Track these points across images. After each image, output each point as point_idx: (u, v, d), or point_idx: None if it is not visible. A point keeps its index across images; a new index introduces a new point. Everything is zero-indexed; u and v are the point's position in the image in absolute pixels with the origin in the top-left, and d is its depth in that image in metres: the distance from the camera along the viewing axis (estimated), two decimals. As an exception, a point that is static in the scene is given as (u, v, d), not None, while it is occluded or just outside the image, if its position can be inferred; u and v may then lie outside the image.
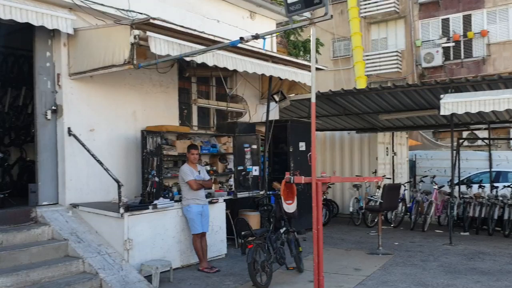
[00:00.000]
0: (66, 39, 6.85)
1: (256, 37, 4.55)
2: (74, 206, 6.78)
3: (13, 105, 9.56)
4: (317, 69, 8.53)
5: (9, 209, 6.52)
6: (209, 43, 6.39)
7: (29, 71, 7.13)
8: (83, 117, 7.06)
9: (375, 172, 12.39)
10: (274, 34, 5.40)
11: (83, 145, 6.73)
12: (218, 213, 7.51)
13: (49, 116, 6.84)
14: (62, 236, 6.17)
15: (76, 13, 6.77)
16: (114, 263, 5.95)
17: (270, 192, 7.13)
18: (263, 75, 8.17)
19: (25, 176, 8.97)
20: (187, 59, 6.24)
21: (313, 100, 4.36)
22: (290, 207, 6.04)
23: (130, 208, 6.27)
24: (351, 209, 11.47)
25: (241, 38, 4.65)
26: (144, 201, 6.84)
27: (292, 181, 5.31)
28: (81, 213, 6.70)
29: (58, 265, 5.67)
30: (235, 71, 7.34)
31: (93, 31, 6.63)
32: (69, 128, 6.85)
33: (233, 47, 6.65)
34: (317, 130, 10.55)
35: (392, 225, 11.03)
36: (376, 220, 10.54)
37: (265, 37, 4.71)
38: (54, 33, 6.82)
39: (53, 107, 6.88)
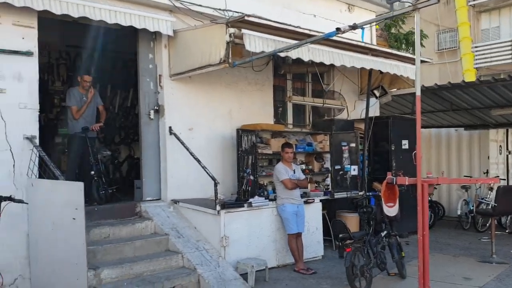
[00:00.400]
0: (167, 41, 7.08)
1: (353, 27, 4.28)
2: (175, 202, 6.99)
3: (122, 106, 10.22)
4: (421, 61, 7.97)
5: (116, 204, 6.90)
6: (305, 38, 6.21)
7: (135, 73, 7.52)
8: (183, 117, 7.25)
9: (487, 172, 11.31)
10: (374, 24, 5.06)
11: (183, 144, 6.91)
12: (314, 214, 7.33)
13: (152, 116, 7.12)
14: (163, 230, 6.38)
15: (175, 15, 6.98)
16: (211, 260, 6.03)
17: (370, 193, 6.75)
18: (362, 69, 7.82)
19: (133, 173, 9.52)
20: (282, 54, 6.13)
21: (418, 93, 4.01)
22: (391, 210, 5.64)
23: (226, 205, 6.33)
24: (459, 212, 10.60)
25: (338, 29, 4.40)
26: (240, 199, 6.87)
27: (394, 182, 4.93)
28: (181, 209, 6.90)
29: (159, 259, 5.86)
30: (332, 66, 7.10)
31: (190, 32, 6.78)
32: (170, 127, 7.07)
33: (329, 41, 6.43)
34: (421, 127, 9.88)
35: (507, 231, 9.98)
36: (488, 224, 9.64)
37: (364, 27, 4.40)
38: (155, 36, 7.09)
39: (155, 107, 7.15)
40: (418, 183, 4.03)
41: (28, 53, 5.71)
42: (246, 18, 5.82)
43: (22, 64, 5.67)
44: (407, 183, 4.59)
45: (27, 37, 5.72)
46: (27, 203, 4.96)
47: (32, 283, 5.45)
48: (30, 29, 5.73)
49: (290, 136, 8.19)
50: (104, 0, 6.12)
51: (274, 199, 6.90)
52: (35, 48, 5.78)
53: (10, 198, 4.51)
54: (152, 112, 7.12)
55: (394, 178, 4.84)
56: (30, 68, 5.75)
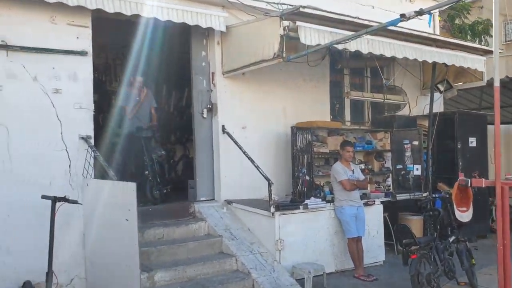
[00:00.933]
0: (220, 37, 6.95)
1: (420, 12, 3.88)
2: (229, 202, 6.83)
3: (177, 105, 10.21)
4: (490, 52, 7.39)
5: (170, 204, 6.83)
6: (363, 29, 5.85)
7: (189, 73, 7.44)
8: (236, 115, 7.10)
9: None
10: (444, 6, 4.62)
11: (236, 143, 6.74)
12: (374, 216, 6.92)
13: (205, 115, 7.01)
14: (217, 232, 6.23)
15: (227, 10, 6.83)
16: (266, 264, 5.80)
17: (436, 195, 6.26)
18: (424, 62, 7.32)
19: (188, 172, 9.47)
20: (339, 47, 5.80)
21: (497, 83, 3.56)
22: (464, 215, 5.12)
23: (280, 207, 6.09)
24: (533, 216, 9.76)
25: (402, 15, 4.02)
26: (295, 200, 6.60)
27: (468, 185, 4.43)
28: (234, 209, 6.73)
29: (213, 262, 5.70)
30: (392, 59, 6.67)
31: (243, 27, 6.60)
32: (223, 126, 6.94)
33: (390, 32, 6.04)
34: (488, 123, 9.18)
35: None
36: None
37: (431, 12, 3.99)
38: (208, 33, 6.97)
39: (208, 106, 7.03)
40: (497, 186, 3.56)
41: (83, 53, 5.72)
42: (301, 9, 5.57)
43: (77, 64, 5.69)
44: (484, 186, 4.11)
45: (82, 37, 5.73)
46: (81, 204, 4.95)
47: (87, 283, 5.45)
48: (84, 28, 5.74)
49: (348, 134, 7.82)
50: (156, -3, 6.05)
51: (332, 201, 6.59)
52: (89, 48, 5.79)
53: (64, 199, 4.51)
54: (205, 110, 7.01)
55: (468, 180, 4.35)
56: (85, 68, 5.76)
